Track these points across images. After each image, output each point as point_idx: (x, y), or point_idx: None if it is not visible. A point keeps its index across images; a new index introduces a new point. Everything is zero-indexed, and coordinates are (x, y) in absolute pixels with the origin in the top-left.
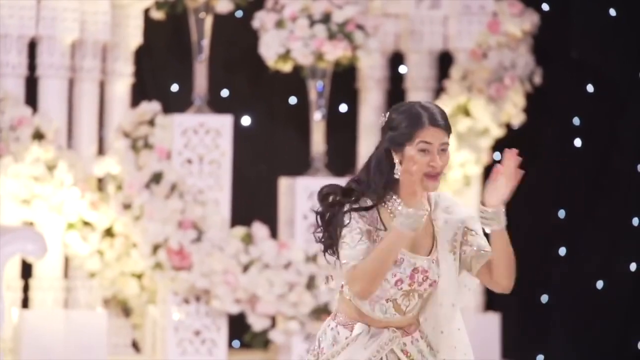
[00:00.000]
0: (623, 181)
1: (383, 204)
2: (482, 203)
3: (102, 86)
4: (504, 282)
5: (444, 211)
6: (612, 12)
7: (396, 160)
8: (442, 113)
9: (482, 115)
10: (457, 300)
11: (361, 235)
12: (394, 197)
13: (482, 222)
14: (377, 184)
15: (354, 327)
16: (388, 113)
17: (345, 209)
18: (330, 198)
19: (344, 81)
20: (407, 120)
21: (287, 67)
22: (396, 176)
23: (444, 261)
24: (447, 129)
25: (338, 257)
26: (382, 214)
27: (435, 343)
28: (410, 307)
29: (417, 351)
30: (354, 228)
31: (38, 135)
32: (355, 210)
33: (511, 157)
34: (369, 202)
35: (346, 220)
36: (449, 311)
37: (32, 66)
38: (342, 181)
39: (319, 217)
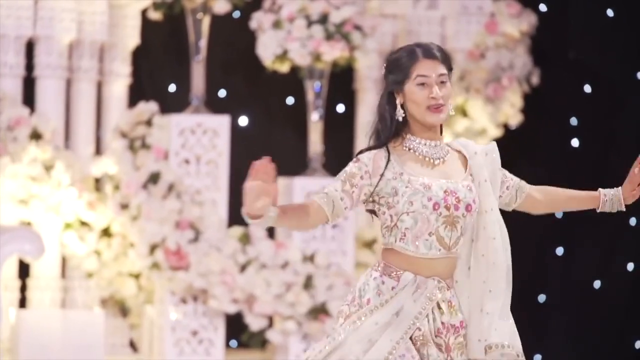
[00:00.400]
0: (620, 181)
1: (400, 144)
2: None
3: (99, 86)
4: (542, 211)
5: (479, 148)
6: (610, 12)
7: (398, 102)
8: (439, 47)
9: (480, 115)
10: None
11: (345, 176)
12: (412, 137)
13: (603, 203)
14: (385, 129)
15: (399, 276)
16: (386, 59)
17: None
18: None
19: (342, 81)
20: (402, 57)
21: (284, 68)
22: (398, 117)
23: (488, 195)
24: (444, 61)
25: (373, 209)
26: (397, 152)
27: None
28: (454, 241)
29: (458, 306)
30: (348, 169)
31: (35, 136)
32: (361, 152)
33: None
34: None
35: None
36: (502, 243)
37: (29, 66)
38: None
39: None
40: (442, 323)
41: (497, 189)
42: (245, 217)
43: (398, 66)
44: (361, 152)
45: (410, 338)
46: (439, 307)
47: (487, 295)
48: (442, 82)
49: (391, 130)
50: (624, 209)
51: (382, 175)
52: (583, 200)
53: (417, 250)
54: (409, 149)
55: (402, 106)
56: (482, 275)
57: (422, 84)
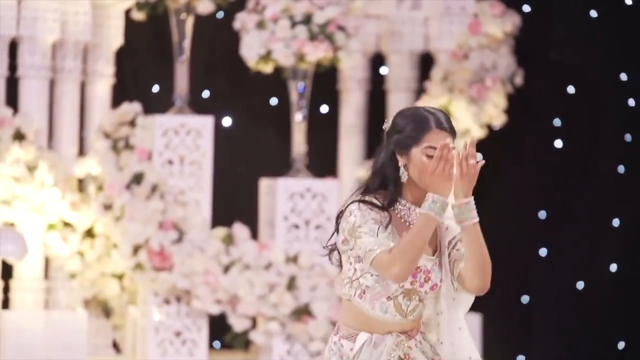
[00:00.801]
0: (604, 182)
1: (393, 209)
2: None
3: (83, 87)
4: (475, 282)
5: (447, 216)
6: (593, 13)
7: (401, 164)
8: (447, 117)
9: (463, 116)
10: (455, 303)
11: (378, 224)
12: (402, 201)
13: (456, 219)
14: (388, 189)
15: (356, 338)
16: (393, 117)
17: (354, 199)
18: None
19: (325, 82)
20: (413, 123)
21: (268, 68)
22: (403, 180)
23: (445, 266)
24: (452, 132)
25: (341, 262)
26: (394, 219)
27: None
28: (411, 308)
29: (420, 352)
30: (368, 218)
31: (19, 136)
32: (365, 203)
33: (464, 148)
34: (379, 202)
35: (355, 211)
36: (448, 317)
37: (12, 66)
38: (322, 182)
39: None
40: None
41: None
42: None
43: (408, 130)
44: (362, 200)
45: None
46: None
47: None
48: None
49: (394, 192)
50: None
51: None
52: (465, 241)
53: (373, 310)
54: (399, 216)
55: (405, 167)
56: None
57: (431, 157)
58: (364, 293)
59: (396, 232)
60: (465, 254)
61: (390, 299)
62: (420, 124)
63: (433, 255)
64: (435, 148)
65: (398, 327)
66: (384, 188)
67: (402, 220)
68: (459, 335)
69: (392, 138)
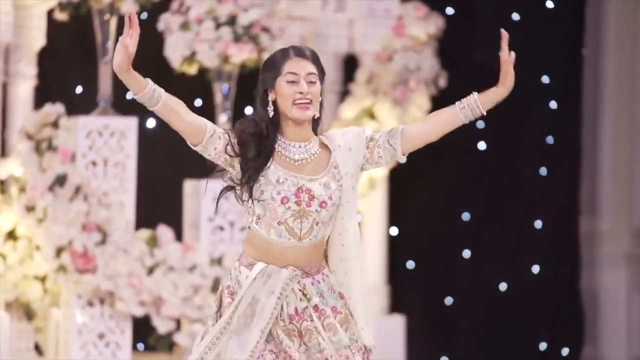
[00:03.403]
0: (526, 184)
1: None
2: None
3: (4, 88)
4: (436, 135)
5: (343, 137)
6: (516, 16)
7: (270, 99)
8: (311, 50)
9: (388, 118)
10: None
11: (225, 133)
12: (281, 138)
13: (462, 108)
14: (265, 119)
15: (253, 266)
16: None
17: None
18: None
19: (250, 84)
20: (275, 56)
21: (192, 70)
22: (269, 113)
23: (348, 190)
24: (315, 62)
25: (242, 196)
26: (276, 156)
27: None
28: (305, 231)
29: (316, 292)
30: (230, 129)
31: None
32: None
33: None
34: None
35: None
36: (354, 237)
37: None
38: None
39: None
40: (296, 309)
41: (357, 180)
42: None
43: (271, 64)
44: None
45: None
46: (291, 295)
47: (347, 291)
48: (311, 82)
49: (267, 126)
50: (484, 113)
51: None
52: (452, 118)
53: (268, 235)
54: (277, 151)
55: (274, 103)
56: (336, 266)
57: (292, 82)
58: (259, 219)
59: (279, 166)
60: (445, 117)
61: (281, 223)
62: (281, 55)
63: (318, 175)
64: (295, 73)
65: (295, 255)
66: (262, 123)
67: (283, 156)
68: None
69: (262, 78)
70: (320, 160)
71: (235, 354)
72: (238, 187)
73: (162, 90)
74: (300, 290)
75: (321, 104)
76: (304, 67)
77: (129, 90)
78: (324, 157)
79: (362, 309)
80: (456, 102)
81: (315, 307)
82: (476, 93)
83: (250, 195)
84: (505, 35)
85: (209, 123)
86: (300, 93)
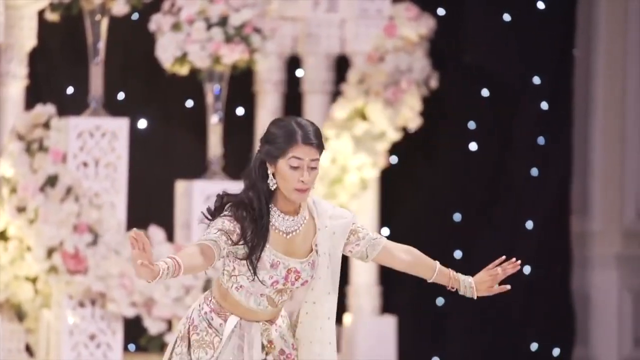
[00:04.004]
0: (517, 184)
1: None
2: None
3: None
4: (401, 270)
5: (331, 219)
6: (507, 17)
7: (270, 172)
8: (317, 131)
9: (379, 118)
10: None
11: (222, 229)
12: (275, 209)
13: (458, 284)
14: (257, 199)
15: (227, 318)
16: (268, 125)
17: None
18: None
19: (241, 84)
20: (282, 136)
21: (183, 70)
22: (271, 187)
23: (322, 267)
24: (319, 147)
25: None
26: (271, 233)
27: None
28: (282, 301)
29: (279, 337)
30: (222, 221)
31: None
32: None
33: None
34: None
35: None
36: (321, 307)
37: None
38: (238, 184)
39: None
40: None
41: (336, 261)
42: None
43: (276, 143)
44: (233, 208)
45: None
46: (263, 347)
47: (307, 346)
48: (313, 168)
49: (262, 201)
50: (475, 298)
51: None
52: (425, 273)
53: (247, 303)
54: (271, 224)
55: (274, 175)
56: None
57: (295, 167)
58: (240, 288)
59: (272, 248)
60: (418, 269)
61: (264, 295)
62: (288, 137)
63: (305, 257)
64: (299, 159)
65: (267, 316)
66: (257, 197)
67: (276, 229)
68: (328, 323)
69: (264, 148)
70: (307, 234)
71: None
72: (231, 256)
73: (171, 261)
74: (270, 342)
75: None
76: (309, 154)
77: (120, 91)
78: (311, 231)
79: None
80: (449, 269)
81: (281, 351)
82: (472, 280)
83: (255, 272)
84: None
85: (213, 246)
86: (302, 182)
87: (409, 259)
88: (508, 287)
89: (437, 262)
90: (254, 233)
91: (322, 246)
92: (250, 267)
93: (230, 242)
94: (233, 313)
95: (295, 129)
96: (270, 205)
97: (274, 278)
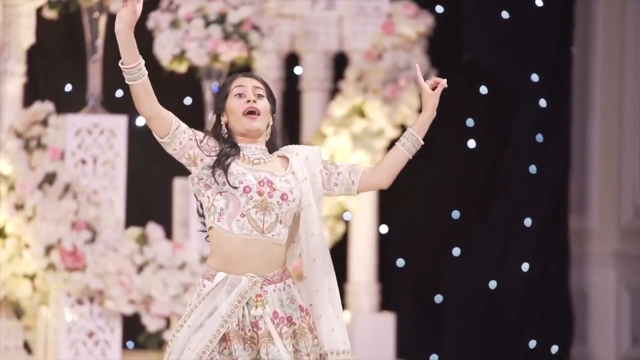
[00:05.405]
0: (515, 182)
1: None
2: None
3: None
4: (386, 181)
5: (300, 150)
6: (505, 14)
7: (223, 122)
8: (260, 76)
9: (378, 116)
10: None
11: (189, 129)
12: (241, 145)
13: (403, 144)
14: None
15: (214, 277)
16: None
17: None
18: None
19: None
20: (225, 81)
21: (182, 68)
22: (223, 134)
23: (308, 193)
24: (262, 82)
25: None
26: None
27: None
28: (268, 225)
29: (277, 299)
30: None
31: None
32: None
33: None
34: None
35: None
36: (320, 240)
37: None
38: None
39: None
40: (255, 317)
41: (318, 189)
42: (121, 65)
43: (221, 89)
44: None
45: (225, 335)
46: (251, 303)
47: (315, 295)
48: (259, 95)
49: (228, 145)
50: (422, 142)
51: (209, 155)
52: (398, 157)
53: (230, 229)
54: (247, 159)
55: (227, 126)
56: (306, 271)
57: (240, 94)
58: (221, 215)
59: (239, 162)
60: (389, 164)
61: (244, 215)
62: (229, 80)
63: (278, 173)
64: (242, 86)
65: (257, 257)
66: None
67: (243, 156)
68: (329, 262)
69: (214, 106)
70: (278, 164)
71: (186, 354)
72: (201, 190)
73: (146, 71)
74: (258, 296)
75: (273, 128)
76: (251, 82)
77: (118, 88)
78: (282, 163)
79: (332, 312)
80: (396, 143)
81: (275, 314)
82: (409, 127)
83: (226, 174)
84: (418, 68)
85: (174, 116)
86: (248, 102)
87: (381, 164)
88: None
89: (398, 142)
90: (224, 142)
91: (301, 172)
92: (221, 174)
93: (194, 139)
94: (222, 269)
95: (236, 73)
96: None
97: (245, 183)
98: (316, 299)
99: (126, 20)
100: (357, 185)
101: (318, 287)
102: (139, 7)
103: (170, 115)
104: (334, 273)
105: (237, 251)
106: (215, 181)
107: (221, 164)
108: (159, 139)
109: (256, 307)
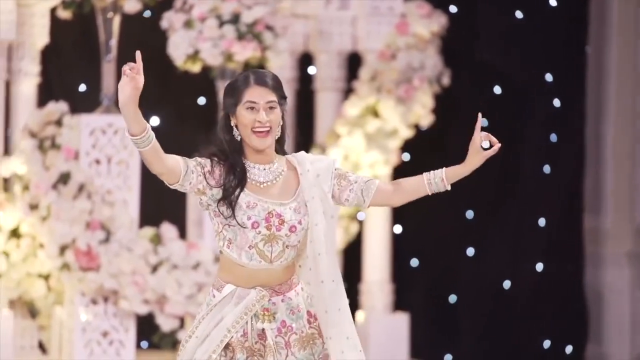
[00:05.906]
0: (530, 182)
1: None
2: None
3: (7, 86)
4: (399, 204)
5: (313, 163)
6: (519, 14)
7: (232, 124)
8: (272, 75)
9: (391, 116)
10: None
11: (196, 165)
12: (247, 162)
13: (429, 184)
14: (224, 150)
15: (222, 289)
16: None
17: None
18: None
19: None
20: (238, 82)
21: (196, 68)
22: (236, 138)
23: (316, 213)
24: (275, 89)
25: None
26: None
27: (319, 298)
28: (276, 254)
29: (286, 308)
30: (196, 158)
31: None
32: (217, 156)
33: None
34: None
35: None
36: (328, 259)
37: None
38: None
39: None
40: (263, 329)
41: (330, 206)
42: (127, 134)
43: (233, 90)
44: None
45: (229, 344)
46: (259, 315)
47: (323, 317)
48: (271, 108)
49: (227, 150)
50: (449, 188)
51: (219, 185)
52: (418, 189)
53: (239, 259)
54: (249, 178)
55: (237, 127)
56: (314, 291)
57: (251, 109)
58: (230, 243)
59: (248, 191)
60: (409, 192)
61: (252, 247)
62: (242, 81)
63: (287, 200)
64: (254, 102)
65: (265, 277)
66: (224, 153)
67: (249, 179)
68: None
69: (225, 101)
70: (288, 183)
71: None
72: (211, 214)
73: (153, 133)
74: (265, 310)
75: (283, 127)
76: (263, 96)
77: None
78: (292, 181)
79: (341, 334)
80: (424, 174)
81: (283, 323)
82: (444, 169)
83: (233, 212)
84: (479, 117)
85: (181, 161)
86: (259, 122)
87: (400, 187)
88: (497, 144)
89: (424, 174)
90: (231, 173)
91: (310, 191)
92: (228, 208)
93: (202, 172)
94: (231, 282)
95: (249, 74)
96: (242, 158)
97: (253, 219)
98: (324, 321)
99: (130, 96)
100: (368, 201)
101: (327, 309)
102: (141, 80)
103: (178, 163)
104: (344, 292)
105: (246, 274)
106: (223, 215)
107: (227, 199)
108: (169, 186)
109: (263, 320)
